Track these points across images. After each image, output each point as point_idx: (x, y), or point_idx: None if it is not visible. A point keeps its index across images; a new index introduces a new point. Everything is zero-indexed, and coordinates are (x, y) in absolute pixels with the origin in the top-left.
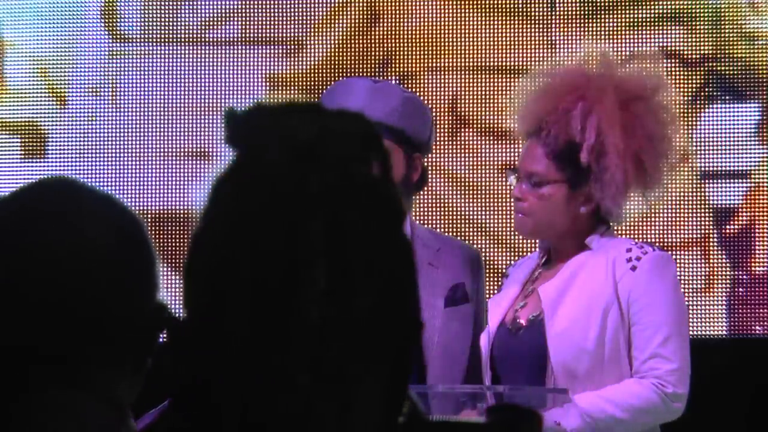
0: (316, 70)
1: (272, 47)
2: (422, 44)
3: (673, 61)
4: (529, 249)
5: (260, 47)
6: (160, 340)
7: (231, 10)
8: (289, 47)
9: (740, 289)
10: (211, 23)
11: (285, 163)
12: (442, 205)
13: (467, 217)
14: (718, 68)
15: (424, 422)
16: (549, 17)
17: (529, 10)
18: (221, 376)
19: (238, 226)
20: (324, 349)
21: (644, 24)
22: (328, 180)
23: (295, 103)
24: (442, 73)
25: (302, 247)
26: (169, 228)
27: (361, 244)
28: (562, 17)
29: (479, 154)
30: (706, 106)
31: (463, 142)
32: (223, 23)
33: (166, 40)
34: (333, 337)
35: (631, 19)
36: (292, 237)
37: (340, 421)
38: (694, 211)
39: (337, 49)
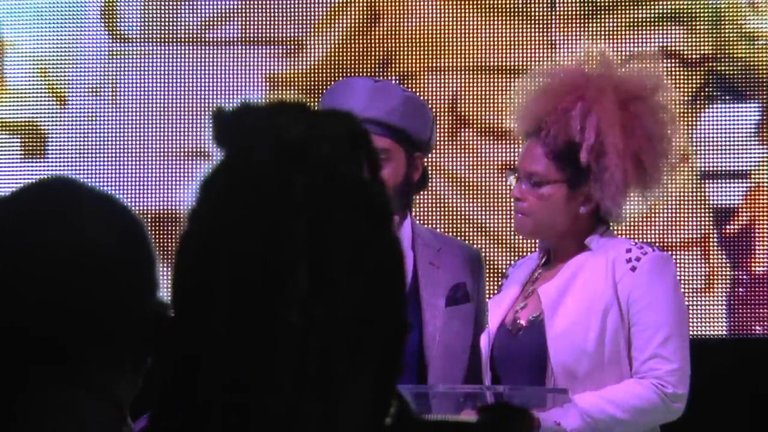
0: (316, 70)
1: (272, 47)
2: (422, 44)
3: (673, 61)
4: (529, 249)
5: (260, 47)
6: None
7: (231, 10)
8: (289, 47)
9: (740, 289)
10: (211, 23)
11: (271, 163)
12: (442, 205)
13: (467, 217)
14: (718, 68)
15: (413, 421)
16: (549, 17)
17: (529, 10)
18: (205, 377)
19: (223, 226)
20: (308, 349)
21: (644, 24)
22: (314, 180)
23: (284, 103)
24: (442, 73)
25: (284, 247)
26: (169, 228)
27: (345, 244)
28: (562, 17)
29: (479, 154)
30: (706, 106)
31: (463, 142)
32: (223, 23)
33: (166, 40)
34: (317, 337)
35: (631, 19)
36: (275, 237)
37: (325, 422)
38: (694, 211)
39: (337, 49)
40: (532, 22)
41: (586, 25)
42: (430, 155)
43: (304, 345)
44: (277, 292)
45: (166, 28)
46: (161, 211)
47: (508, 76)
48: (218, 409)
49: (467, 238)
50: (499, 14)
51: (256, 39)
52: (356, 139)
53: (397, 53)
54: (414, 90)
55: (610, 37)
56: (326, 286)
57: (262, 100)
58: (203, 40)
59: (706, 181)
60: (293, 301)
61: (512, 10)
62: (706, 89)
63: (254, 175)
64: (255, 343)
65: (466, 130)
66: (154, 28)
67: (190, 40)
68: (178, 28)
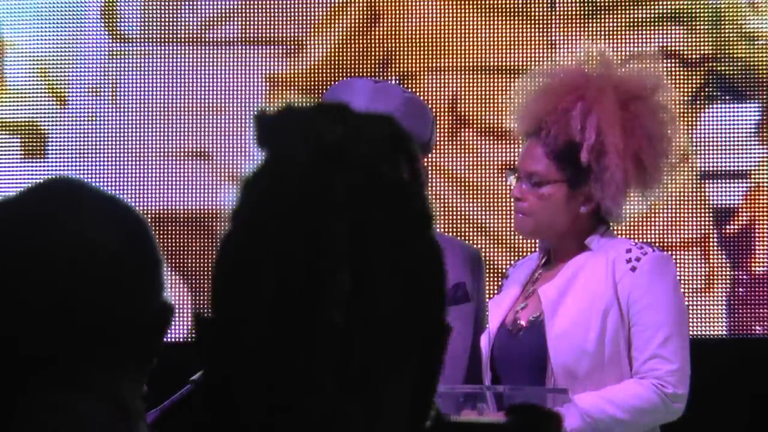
0: (316, 70)
1: (272, 47)
2: (422, 44)
3: (673, 61)
4: (529, 249)
5: (260, 47)
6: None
7: (231, 10)
8: (289, 47)
9: (740, 289)
10: (211, 23)
11: (311, 165)
12: (442, 205)
13: (467, 217)
14: (718, 68)
15: (445, 423)
16: (549, 17)
17: (529, 10)
18: (245, 378)
19: (265, 227)
20: (350, 350)
21: (644, 24)
22: (354, 181)
23: (325, 105)
24: (442, 73)
25: (326, 249)
26: (169, 228)
27: (386, 245)
28: (562, 17)
29: (479, 154)
30: (706, 106)
31: (463, 142)
32: (223, 23)
33: (166, 40)
34: (357, 339)
35: (631, 19)
36: (316, 239)
37: (365, 423)
38: (694, 211)
39: (337, 49)
40: (532, 22)
41: (586, 25)
42: (430, 155)
43: (346, 345)
44: (320, 293)
45: (166, 28)
46: (161, 211)
47: (508, 76)
48: (258, 410)
49: (467, 238)
50: (499, 14)
51: (256, 39)
52: (397, 141)
53: (397, 53)
54: (414, 90)
55: (610, 37)
56: (368, 287)
57: (264, 101)
58: (203, 40)
59: (706, 181)
60: (336, 302)
61: (512, 10)
62: (706, 89)
63: (295, 176)
64: (296, 346)
65: (466, 130)
66: (154, 28)
67: (190, 40)
68: (178, 28)
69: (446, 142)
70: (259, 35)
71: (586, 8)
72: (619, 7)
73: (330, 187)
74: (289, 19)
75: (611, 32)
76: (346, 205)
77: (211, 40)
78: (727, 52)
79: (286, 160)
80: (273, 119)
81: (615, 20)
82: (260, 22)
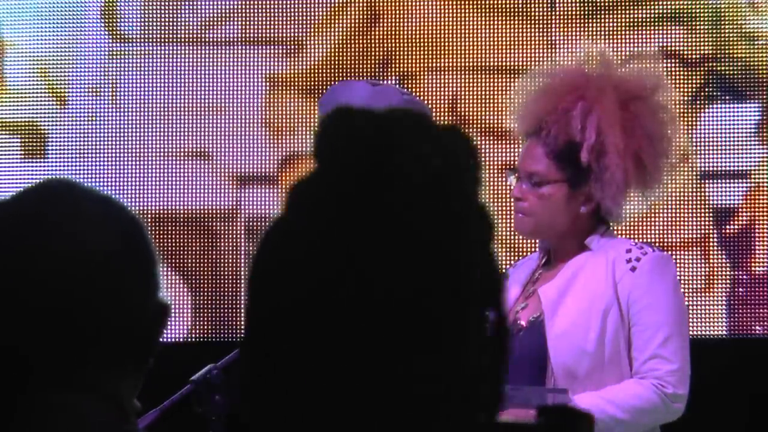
0: (316, 70)
1: (272, 47)
2: (422, 44)
3: (673, 61)
4: (529, 249)
5: (260, 47)
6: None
7: (231, 10)
8: (289, 47)
9: (740, 289)
10: (211, 23)
11: (420, 187)
12: None
13: None
14: (718, 68)
15: (480, 425)
16: (549, 17)
17: (529, 10)
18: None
19: (378, 253)
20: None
21: (644, 24)
22: (462, 203)
23: (399, 111)
24: (442, 73)
25: (469, 281)
26: (169, 228)
27: (478, 267)
28: (562, 17)
29: (479, 154)
30: (706, 106)
31: None
32: (223, 23)
33: (166, 40)
34: (494, 374)
35: (631, 19)
36: (460, 269)
37: None
38: (694, 211)
39: (337, 49)
40: (532, 22)
41: (586, 25)
42: None
43: (474, 390)
44: (470, 331)
45: (166, 28)
46: (161, 211)
47: (508, 76)
48: None
49: None
50: (499, 14)
51: (256, 39)
52: (472, 154)
53: (397, 53)
54: (414, 90)
55: (610, 37)
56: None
57: (264, 101)
58: (203, 40)
59: (706, 181)
60: (482, 346)
61: (512, 10)
62: (706, 89)
63: (407, 195)
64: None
65: (466, 130)
66: (154, 28)
67: (190, 40)
68: (178, 28)
69: None
70: (259, 35)
71: (586, 8)
72: (619, 7)
73: (446, 201)
74: (289, 19)
75: (611, 32)
76: (462, 222)
77: (211, 40)
78: (727, 52)
79: (385, 180)
80: (342, 123)
81: (615, 20)
82: (260, 22)
